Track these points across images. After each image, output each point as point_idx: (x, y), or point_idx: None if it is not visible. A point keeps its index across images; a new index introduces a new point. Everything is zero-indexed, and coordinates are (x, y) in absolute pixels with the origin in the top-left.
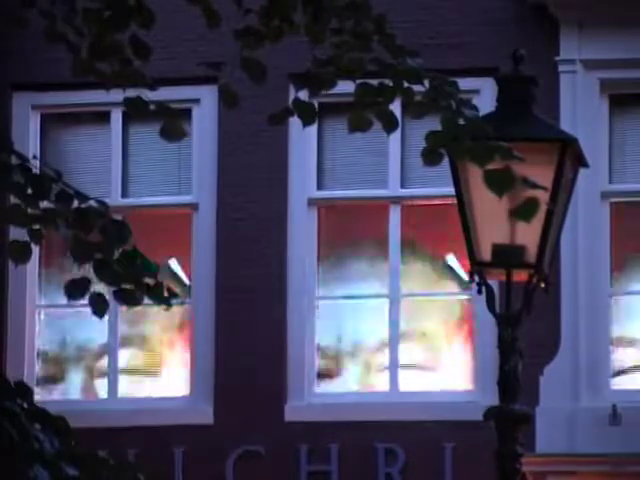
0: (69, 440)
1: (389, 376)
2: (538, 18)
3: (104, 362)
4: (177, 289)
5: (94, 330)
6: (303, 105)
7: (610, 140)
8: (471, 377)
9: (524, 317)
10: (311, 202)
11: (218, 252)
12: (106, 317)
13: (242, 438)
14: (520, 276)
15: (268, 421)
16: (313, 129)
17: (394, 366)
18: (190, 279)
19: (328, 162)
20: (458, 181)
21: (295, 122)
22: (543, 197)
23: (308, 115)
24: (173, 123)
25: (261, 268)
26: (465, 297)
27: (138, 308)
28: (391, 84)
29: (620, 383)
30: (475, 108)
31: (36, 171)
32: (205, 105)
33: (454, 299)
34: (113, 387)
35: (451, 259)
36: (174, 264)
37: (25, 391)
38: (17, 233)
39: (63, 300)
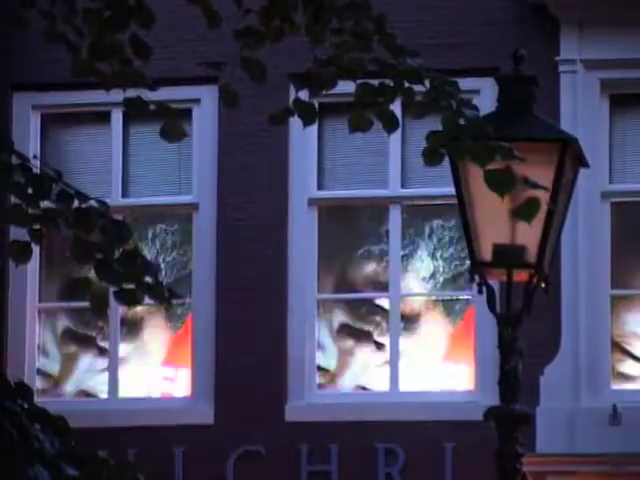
0: (69, 440)
1: (389, 376)
2: (538, 18)
3: (104, 362)
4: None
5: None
6: (303, 105)
7: (610, 140)
8: (471, 377)
9: (524, 317)
10: (311, 202)
11: (218, 252)
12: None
13: (242, 438)
14: (520, 276)
15: (268, 421)
16: (313, 129)
17: (394, 366)
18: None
19: (328, 162)
20: (458, 181)
21: (295, 122)
22: (543, 197)
23: (308, 115)
24: (173, 123)
25: (261, 268)
26: (466, 297)
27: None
28: (392, 84)
29: (620, 383)
30: (476, 108)
31: (36, 171)
32: (205, 105)
33: (454, 299)
34: (113, 387)
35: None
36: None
37: (25, 391)
38: (18, 233)
39: (63, 300)
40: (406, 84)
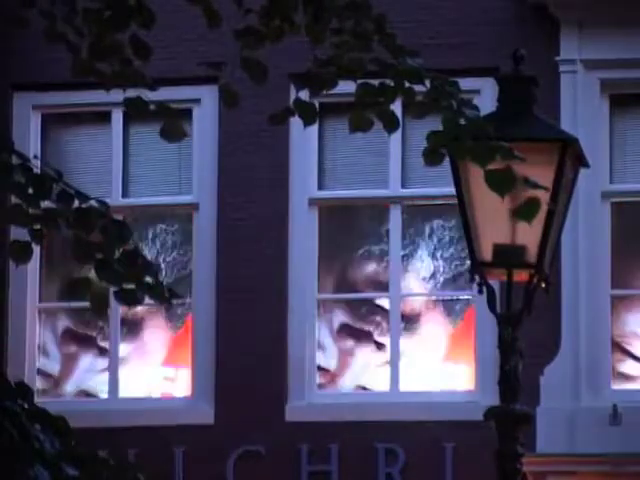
0: (69, 440)
1: (389, 376)
2: (538, 18)
3: (104, 362)
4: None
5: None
6: (304, 105)
7: (611, 140)
8: (471, 377)
9: (524, 317)
10: (312, 202)
11: (218, 252)
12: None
13: (242, 438)
14: (521, 276)
15: (268, 421)
16: (314, 129)
17: (394, 366)
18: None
19: (329, 162)
20: (459, 181)
21: (296, 122)
22: (544, 197)
23: (309, 115)
24: (173, 123)
25: (261, 268)
26: (466, 297)
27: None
28: (392, 84)
29: (620, 383)
30: (476, 108)
31: (37, 171)
32: (205, 105)
33: (454, 299)
34: (113, 387)
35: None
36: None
37: (25, 391)
38: (18, 233)
39: (63, 300)
40: (406, 84)
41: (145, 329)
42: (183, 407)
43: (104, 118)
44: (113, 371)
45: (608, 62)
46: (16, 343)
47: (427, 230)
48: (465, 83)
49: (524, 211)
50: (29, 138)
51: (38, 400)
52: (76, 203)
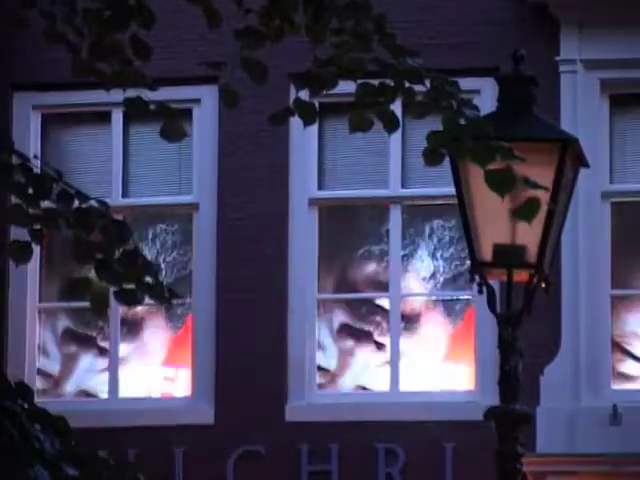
0: (69, 440)
1: (389, 376)
2: (538, 18)
3: (104, 362)
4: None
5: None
6: (304, 105)
7: (611, 140)
8: (471, 377)
9: (524, 317)
10: (312, 202)
11: (218, 252)
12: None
13: (242, 438)
14: (521, 276)
15: (268, 421)
16: (314, 129)
17: (394, 366)
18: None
19: (329, 162)
20: (459, 181)
21: (296, 122)
22: (544, 197)
23: (309, 115)
24: (173, 123)
25: (261, 268)
26: (466, 297)
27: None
28: (392, 84)
29: (620, 383)
30: (476, 108)
31: (37, 171)
32: (205, 105)
33: (454, 299)
34: (113, 387)
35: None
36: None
37: (25, 391)
38: (18, 233)
39: (63, 300)
40: (406, 84)
41: (145, 329)
42: (183, 407)
43: (104, 118)
44: (113, 371)
45: (608, 62)
46: (16, 343)
47: (427, 230)
48: (465, 83)
49: (524, 211)
50: (29, 138)
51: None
52: (76, 203)
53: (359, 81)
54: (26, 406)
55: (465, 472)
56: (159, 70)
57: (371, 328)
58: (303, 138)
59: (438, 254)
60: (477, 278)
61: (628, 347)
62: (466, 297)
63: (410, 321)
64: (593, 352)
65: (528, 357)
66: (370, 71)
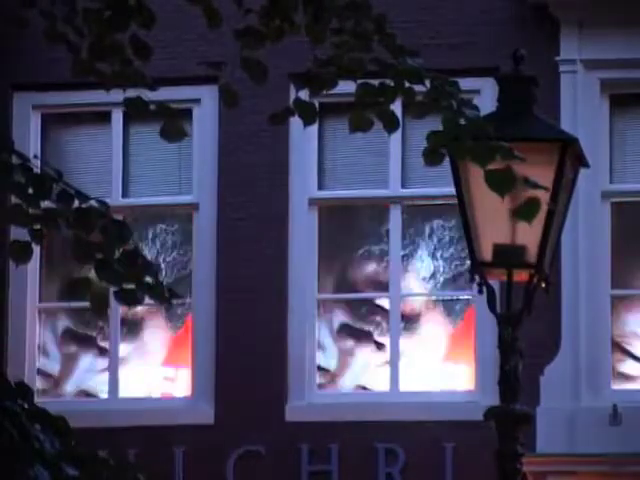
0: (69, 440)
1: (389, 376)
2: (538, 18)
3: (104, 362)
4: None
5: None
6: (304, 105)
7: (610, 140)
8: (471, 377)
9: (524, 317)
10: (312, 202)
11: (218, 252)
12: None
13: (242, 438)
14: (521, 276)
15: (268, 421)
16: (314, 129)
17: (394, 366)
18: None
19: (329, 162)
20: (459, 181)
21: (296, 122)
22: (544, 197)
23: (309, 115)
24: (173, 123)
25: (261, 268)
26: (466, 297)
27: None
28: (392, 84)
29: (620, 383)
30: (476, 108)
31: (37, 171)
32: (205, 105)
33: (454, 299)
34: (113, 387)
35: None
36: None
37: (25, 391)
38: (18, 233)
39: (63, 300)
40: (406, 84)
41: (145, 329)
42: (183, 407)
43: (104, 118)
44: (113, 371)
45: (608, 62)
46: (16, 343)
47: (427, 230)
48: (465, 83)
49: (524, 211)
50: (29, 138)
51: (38, 400)
52: (76, 203)
53: (359, 81)
54: (26, 406)
55: (465, 472)
56: (159, 70)
57: (371, 328)
58: (303, 138)
59: (438, 254)
60: (477, 278)
61: (628, 347)
62: (466, 297)
63: (410, 321)
64: (593, 352)
65: (528, 357)
66: (370, 71)
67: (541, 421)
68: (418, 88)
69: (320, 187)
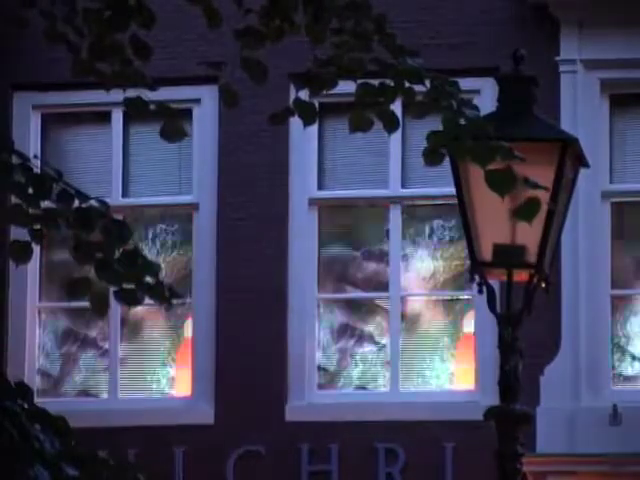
0: (69, 440)
1: (389, 376)
2: (538, 18)
3: (104, 362)
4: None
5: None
6: (304, 105)
7: (611, 140)
8: (471, 377)
9: (524, 317)
10: (312, 202)
11: (218, 252)
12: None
13: (242, 438)
14: (521, 276)
15: (268, 421)
16: (314, 129)
17: (394, 366)
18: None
19: (329, 162)
20: (459, 181)
21: (296, 122)
22: (544, 197)
23: (309, 115)
24: (173, 123)
25: (261, 268)
26: (466, 297)
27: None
28: (392, 84)
29: (620, 383)
30: (476, 108)
31: (37, 171)
32: (205, 105)
33: (454, 299)
34: (113, 387)
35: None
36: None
37: (25, 391)
38: (18, 233)
39: (63, 300)
40: (406, 84)
41: (145, 329)
42: (183, 407)
43: (104, 118)
44: (113, 371)
45: (608, 62)
46: (16, 343)
47: (427, 230)
48: (465, 83)
49: (524, 211)
50: (29, 138)
51: (38, 400)
52: (76, 203)
53: (359, 81)
54: (26, 406)
55: (465, 472)
56: (159, 70)
57: (371, 328)
58: (303, 138)
59: (438, 254)
60: (477, 278)
61: (628, 347)
62: (466, 297)
63: (410, 321)
64: (593, 352)
65: (528, 357)
66: (370, 71)
67: (541, 421)
68: (418, 88)
69: (320, 187)
